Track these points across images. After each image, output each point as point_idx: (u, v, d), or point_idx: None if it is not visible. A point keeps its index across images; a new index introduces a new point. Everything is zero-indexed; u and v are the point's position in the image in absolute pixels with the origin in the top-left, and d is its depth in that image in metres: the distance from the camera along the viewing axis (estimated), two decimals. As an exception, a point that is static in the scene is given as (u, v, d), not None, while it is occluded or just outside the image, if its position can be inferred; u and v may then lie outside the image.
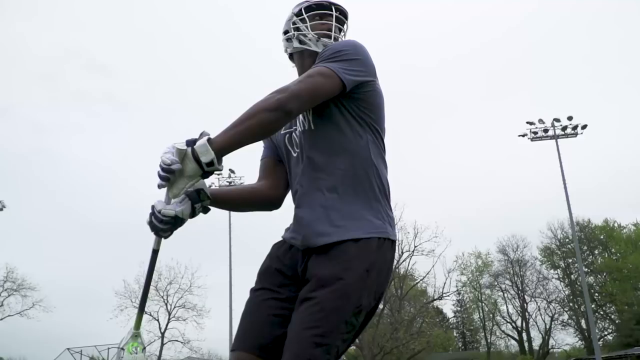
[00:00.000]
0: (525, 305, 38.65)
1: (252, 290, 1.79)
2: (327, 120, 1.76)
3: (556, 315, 37.86)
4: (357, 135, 1.75)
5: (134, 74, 55.91)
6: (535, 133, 23.90)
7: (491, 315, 40.27)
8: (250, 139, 1.59)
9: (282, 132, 1.90)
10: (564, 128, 23.67)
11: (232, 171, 27.66)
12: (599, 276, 37.54)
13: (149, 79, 57.06)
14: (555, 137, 23.56)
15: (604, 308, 37.00)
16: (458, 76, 57.86)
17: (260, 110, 1.57)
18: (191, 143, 1.56)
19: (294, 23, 1.93)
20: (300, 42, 1.91)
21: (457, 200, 48.76)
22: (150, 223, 1.63)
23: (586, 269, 36.94)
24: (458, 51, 58.43)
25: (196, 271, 32.56)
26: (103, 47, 56.99)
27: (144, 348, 1.79)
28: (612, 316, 36.33)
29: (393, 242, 1.70)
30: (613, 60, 53.91)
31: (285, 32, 1.97)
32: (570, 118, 23.65)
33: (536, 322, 38.63)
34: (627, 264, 34.44)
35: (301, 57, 1.94)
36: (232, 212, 26.43)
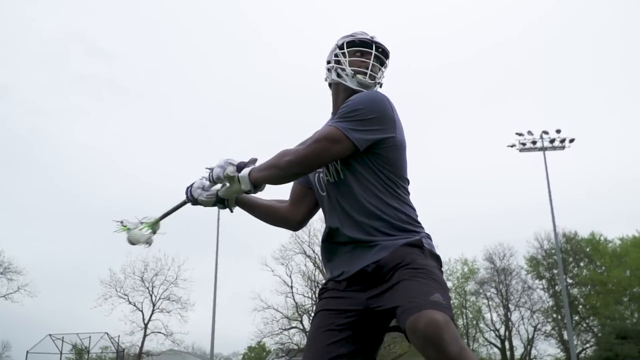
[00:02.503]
0: (509, 314, 38.86)
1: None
2: (352, 172, 1.88)
3: (539, 326, 38.04)
4: (377, 185, 1.87)
5: (136, 61, 55.77)
6: (524, 144, 24.15)
7: (475, 322, 40.47)
8: (269, 182, 1.94)
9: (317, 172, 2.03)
10: (552, 141, 23.93)
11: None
12: (584, 288, 37.76)
13: (151, 65, 57.01)
14: (543, 149, 23.81)
15: (586, 321, 37.23)
16: (454, 81, 58.06)
17: (273, 166, 1.88)
18: (240, 169, 1.95)
19: (335, 55, 2.02)
20: (338, 75, 2.00)
21: (446, 205, 48.90)
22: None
23: (571, 281, 37.16)
24: (457, 56, 58.64)
25: (183, 264, 32.54)
26: (106, 31, 57.13)
27: (152, 231, 2.19)
28: (595, 329, 36.57)
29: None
30: (607, 76, 54.17)
31: (328, 62, 2.06)
32: (558, 131, 23.93)
33: (519, 332, 38.82)
34: (611, 277, 34.68)
35: (337, 90, 2.03)
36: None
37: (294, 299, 32.48)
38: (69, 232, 44.59)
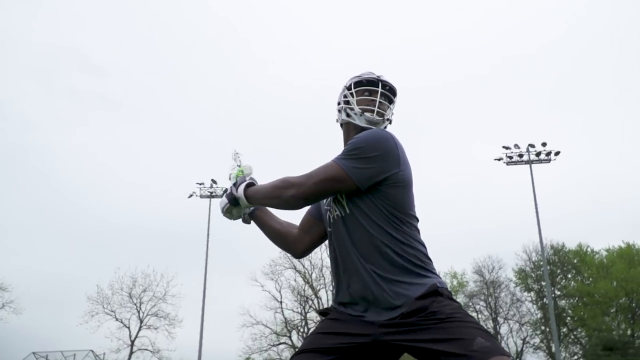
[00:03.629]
0: (498, 327, 38.93)
1: None
2: (357, 208, 1.91)
3: (528, 338, 38.17)
4: (383, 222, 1.88)
5: (129, 75, 55.51)
6: (511, 157, 24.46)
7: (464, 335, 40.47)
8: (270, 207, 2.14)
9: (325, 206, 2.09)
10: (538, 154, 24.25)
11: (214, 181, 27.72)
12: (572, 300, 37.98)
13: (145, 80, 56.90)
14: (529, 162, 24.11)
15: (574, 332, 37.40)
16: (442, 96, 58.63)
17: (277, 196, 1.97)
18: (234, 202, 2.17)
19: (344, 96, 2.08)
20: (347, 114, 2.06)
21: (435, 218, 49.17)
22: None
23: (559, 293, 37.39)
24: (446, 76, 59.27)
25: (172, 279, 32.31)
26: (99, 46, 56.85)
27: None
28: (583, 341, 36.73)
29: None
30: (592, 89, 54.98)
31: (338, 104, 2.13)
32: (544, 144, 24.27)
33: (507, 345, 38.85)
34: (598, 289, 34.91)
35: (347, 129, 2.08)
36: (210, 223, 26.50)
37: (283, 315, 32.30)
38: (56, 247, 43.98)
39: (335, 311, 1.94)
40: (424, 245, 1.95)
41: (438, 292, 1.79)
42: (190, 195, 27.64)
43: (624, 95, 53.50)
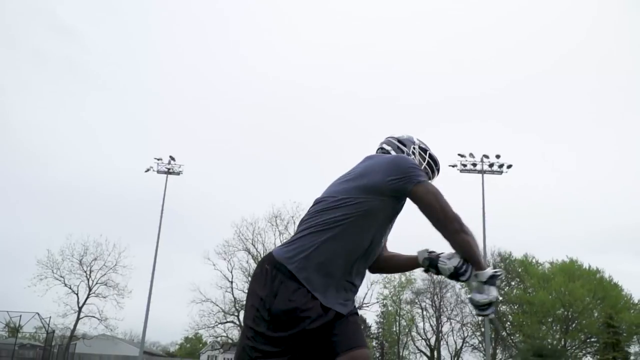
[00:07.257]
0: (440, 325, 40.33)
1: None
2: None
3: (468, 338, 39.72)
4: None
5: (104, 44, 54.60)
6: (465, 165, 25.36)
7: (407, 330, 41.80)
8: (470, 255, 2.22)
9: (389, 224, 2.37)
10: (491, 165, 25.24)
11: (172, 158, 27.81)
12: (513, 307, 39.56)
13: (120, 51, 55.99)
14: (482, 171, 25.08)
15: (512, 337, 39.03)
16: (403, 106, 59.41)
17: (476, 245, 2.23)
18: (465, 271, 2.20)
19: (429, 164, 2.55)
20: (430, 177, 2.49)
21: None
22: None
23: (501, 298, 38.92)
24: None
25: (124, 250, 32.49)
26: (72, 9, 55.62)
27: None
28: (520, 345, 38.37)
29: None
30: (537, 106, 56.50)
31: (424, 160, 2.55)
32: (498, 156, 25.25)
33: (447, 343, 40.40)
34: (537, 298, 36.43)
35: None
36: (166, 199, 26.67)
37: (232, 294, 32.88)
38: (7, 209, 43.51)
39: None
40: None
41: None
42: (147, 170, 27.66)
43: (577, 118, 55.40)
